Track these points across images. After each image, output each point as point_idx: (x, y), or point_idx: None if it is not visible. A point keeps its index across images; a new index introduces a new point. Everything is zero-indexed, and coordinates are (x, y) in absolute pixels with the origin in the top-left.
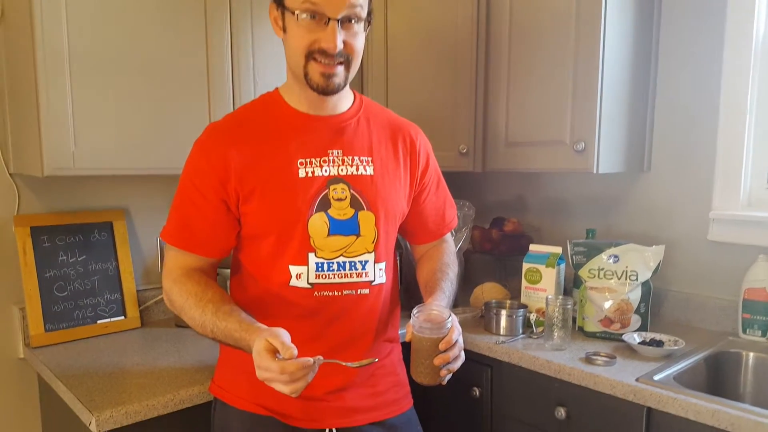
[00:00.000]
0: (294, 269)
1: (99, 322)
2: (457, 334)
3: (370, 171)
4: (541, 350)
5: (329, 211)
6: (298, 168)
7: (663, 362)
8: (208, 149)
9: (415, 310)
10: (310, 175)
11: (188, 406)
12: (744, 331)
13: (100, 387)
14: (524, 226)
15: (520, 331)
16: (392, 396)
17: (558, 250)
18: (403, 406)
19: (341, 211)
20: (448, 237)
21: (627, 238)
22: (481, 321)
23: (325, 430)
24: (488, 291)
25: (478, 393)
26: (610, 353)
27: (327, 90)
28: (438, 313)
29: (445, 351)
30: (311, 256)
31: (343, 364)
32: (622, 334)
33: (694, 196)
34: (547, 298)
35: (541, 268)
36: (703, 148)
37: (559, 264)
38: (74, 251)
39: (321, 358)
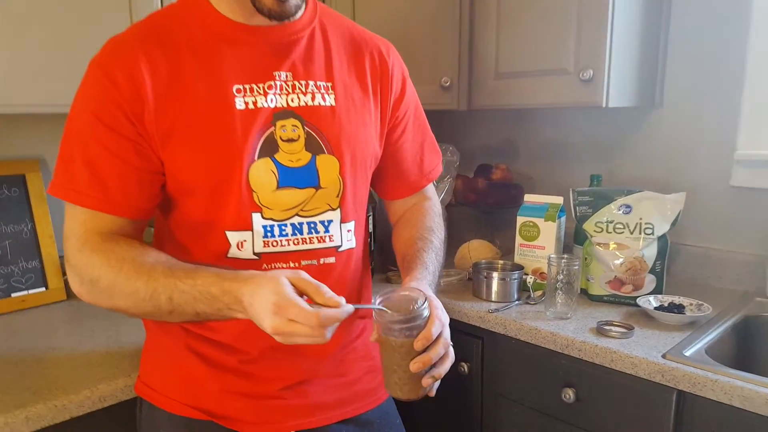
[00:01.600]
0: (234, 236)
1: (14, 295)
2: (438, 325)
3: (330, 101)
4: (542, 319)
5: (277, 156)
6: (235, 96)
7: (687, 332)
8: (110, 69)
9: (377, 299)
10: (251, 106)
11: (112, 403)
12: None
13: (6, 378)
14: (515, 174)
15: (515, 296)
16: (366, 385)
17: (559, 200)
18: (380, 397)
19: (293, 155)
20: (432, 193)
21: (635, 184)
22: (469, 285)
23: None
24: (476, 250)
25: (466, 369)
26: (626, 322)
27: (282, 14)
28: (407, 296)
29: (423, 351)
30: (256, 217)
31: (372, 307)
32: (635, 298)
33: (715, 135)
34: (549, 258)
35: (539, 221)
36: (727, 80)
37: (559, 217)
38: None
39: (352, 307)
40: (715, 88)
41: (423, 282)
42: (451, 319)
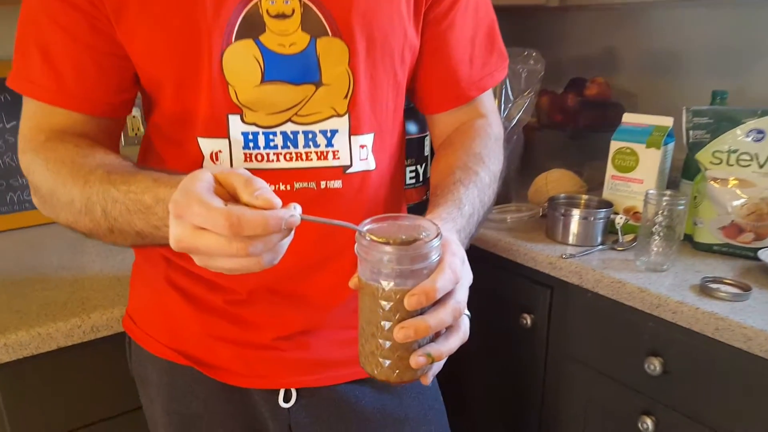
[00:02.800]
0: (206, 144)
1: (27, 208)
2: (449, 277)
3: None
4: (630, 270)
5: (262, 38)
6: None
7: None
8: None
9: (366, 222)
10: None
11: (106, 334)
12: None
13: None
14: (614, 91)
15: (599, 239)
16: None
17: (667, 122)
18: None
19: (285, 38)
20: (489, 108)
21: None
22: (543, 224)
23: (278, 390)
24: (555, 181)
25: (529, 322)
26: (740, 281)
27: None
28: (412, 225)
29: (420, 312)
30: (234, 121)
31: (347, 226)
32: (756, 250)
33: None
34: (647, 194)
35: (639, 148)
36: None
37: (666, 143)
38: (0, 115)
39: (298, 210)
40: None
41: (447, 224)
42: (516, 264)
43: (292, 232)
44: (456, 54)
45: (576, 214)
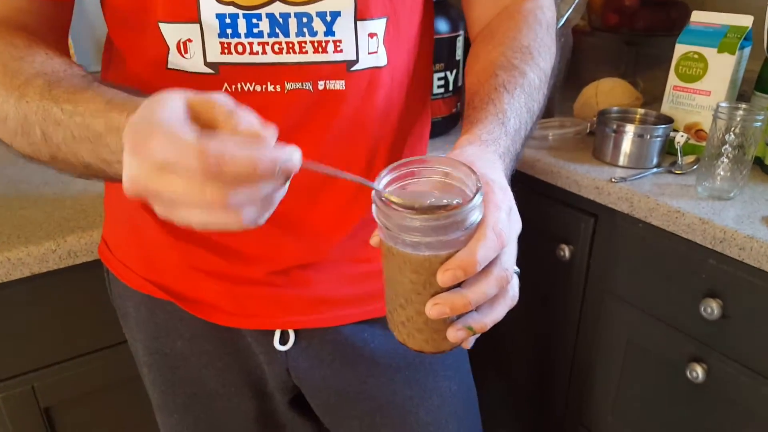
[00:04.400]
0: (170, 31)
1: None
2: (492, 242)
3: None
4: (690, 197)
5: None
6: None
7: None
8: None
9: (382, 178)
10: None
11: (86, 260)
12: None
13: None
14: None
15: (654, 160)
16: None
17: (746, 21)
18: None
19: None
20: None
21: None
22: (591, 142)
23: (273, 332)
24: (607, 92)
25: (567, 254)
26: None
27: None
28: (438, 176)
29: (459, 285)
30: (206, 0)
31: (362, 182)
32: None
33: None
34: (718, 107)
35: (709, 52)
36: None
37: (742, 48)
38: None
39: (297, 153)
40: None
41: (489, 148)
42: (556, 188)
43: (286, 185)
44: None
45: (630, 130)
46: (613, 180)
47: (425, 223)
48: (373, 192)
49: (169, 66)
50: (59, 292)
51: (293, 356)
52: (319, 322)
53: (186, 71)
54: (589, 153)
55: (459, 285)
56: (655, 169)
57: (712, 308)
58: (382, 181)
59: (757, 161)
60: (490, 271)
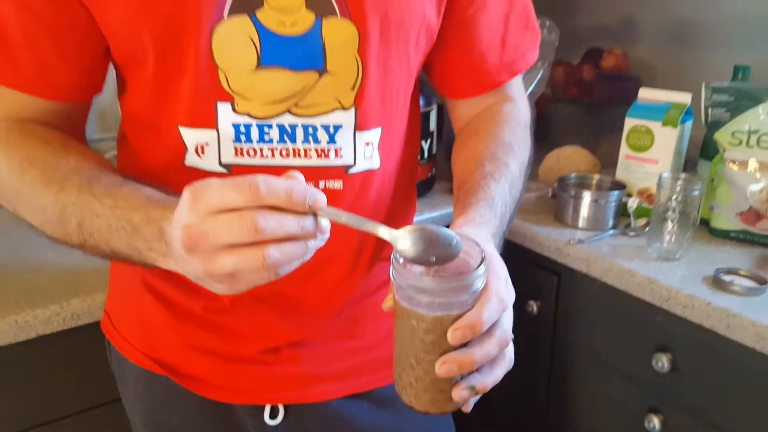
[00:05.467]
0: (190, 135)
1: None
2: (495, 306)
3: None
4: (641, 258)
5: (259, 14)
6: None
7: None
8: None
9: (398, 238)
10: None
11: (87, 322)
12: None
13: None
14: (633, 63)
15: (610, 223)
16: (387, 351)
17: (685, 98)
18: None
19: (286, 15)
20: (517, 92)
21: None
22: (553, 204)
23: (264, 406)
24: (567, 159)
25: (535, 309)
26: (756, 273)
27: None
28: (450, 246)
29: (464, 345)
30: (224, 110)
31: (381, 234)
32: None
33: None
34: (660, 177)
35: (654, 126)
36: None
37: (684, 121)
38: None
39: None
40: None
41: (482, 229)
42: (522, 248)
43: (321, 238)
44: (486, 37)
45: (586, 196)
46: (572, 242)
47: (439, 285)
48: (393, 255)
49: (186, 164)
50: (61, 352)
51: (283, 431)
52: (307, 397)
53: (202, 169)
54: (551, 216)
55: (464, 346)
56: (611, 231)
57: (662, 362)
58: (400, 241)
59: (703, 222)
60: (492, 333)
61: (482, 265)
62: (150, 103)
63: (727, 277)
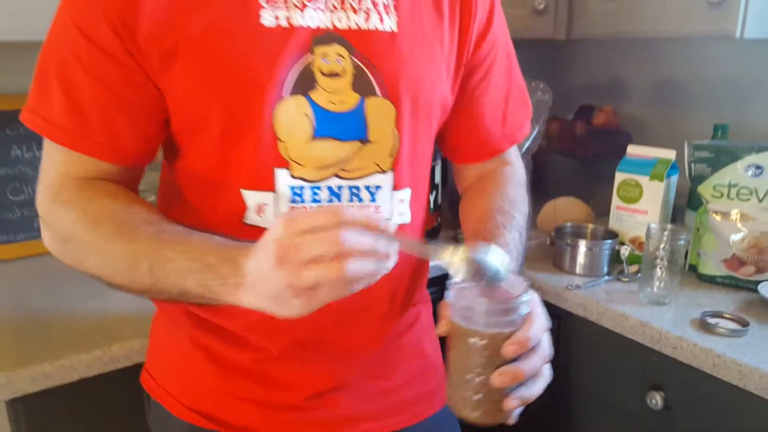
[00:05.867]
0: (252, 197)
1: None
2: (540, 327)
3: (390, 24)
4: (633, 302)
5: (313, 94)
6: (261, 8)
7: None
8: None
9: (453, 264)
10: (283, 23)
11: (126, 365)
12: None
13: (20, 332)
14: (622, 119)
15: (605, 270)
16: (416, 390)
17: (670, 154)
18: (434, 404)
19: (335, 96)
20: (515, 157)
21: None
22: (551, 252)
23: None
24: (563, 209)
25: None
26: (738, 316)
27: None
28: (499, 276)
29: (515, 360)
30: (282, 175)
31: (441, 262)
32: (757, 283)
33: None
34: (649, 228)
35: (643, 180)
36: None
37: (669, 176)
38: (32, 144)
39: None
40: None
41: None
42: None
43: (380, 268)
44: (490, 113)
45: (582, 245)
46: (570, 287)
47: (496, 306)
48: (450, 281)
49: (245, 221)
50: (102, 393)
51: None
52: None
53: (260, 226)
54: (550, 262)
55: (512, 361)
56: (606, 277)
57: (656, 400)
58: (460, 279)
59: (693, 268)
60: (536, 350)
61: (527, 292)
62: (214, 167)
63: (712, 320)
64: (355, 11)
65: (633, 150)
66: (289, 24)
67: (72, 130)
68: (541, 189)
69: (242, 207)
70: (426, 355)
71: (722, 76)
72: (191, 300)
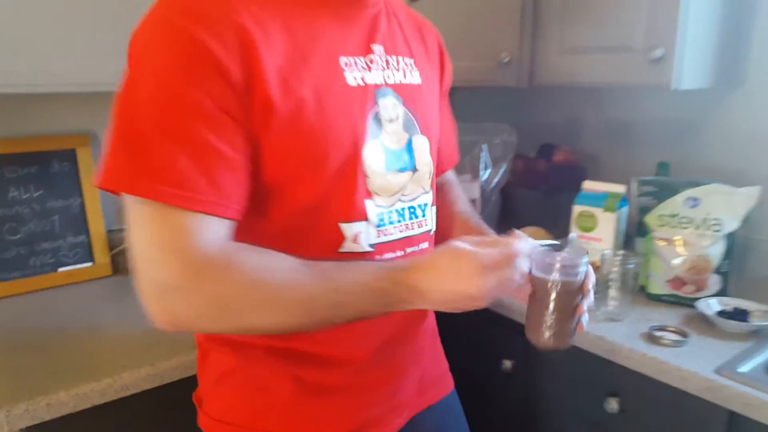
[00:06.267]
0: (349, 228)
1: (61, 269)
2: (593, 277)
3: (416, 78)
4: (592, 319)
5: (381, 137)
6: (344, 70)
7: (750, 342)
8: (205, 25)
9: (541, 246)
10: (359, 82)
11: (135, 392)
12: None
13: (36, 360)
14: (579, 156)
15: None
16: (434, 371)
17: (620, 189)
18: (446, 386)
19: (395, 136)
20: (455, 179)
21: (711, 174)
22: None
23: None
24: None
25: (510, 366)
26: (680, 329)
27: None
28: (568, 247)
29: (574, 298)
30: (370, 205)
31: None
32: (695, 300)
33: None
34: (602, 254)
35: (597, 211)
36: None
37: (620, 207)
38: (29, 185)
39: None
40: None
41: None
42: (495, 314)
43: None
44: (444, 136)
45: None
46: None
47: (569, 263)
48: (535, 250)
49: (341, 250)
50: (114, 419)
51: None
52: (402, 422)
53: (354, 252)
54: None
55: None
56: None
57: (613, 405)
58: (545, 250)
59: (642, 289)
60: (590, 294)
61: (586, 256)
62: (311, 208)
63: (658, 333)
64: (396, 70)
65: (588, 185)
66: (364, 82)
67: (209, 197)
68: (509, 219)
69: (340, 238)
70: (438, 337)
71: (663, 119)
72: (361, 317)
